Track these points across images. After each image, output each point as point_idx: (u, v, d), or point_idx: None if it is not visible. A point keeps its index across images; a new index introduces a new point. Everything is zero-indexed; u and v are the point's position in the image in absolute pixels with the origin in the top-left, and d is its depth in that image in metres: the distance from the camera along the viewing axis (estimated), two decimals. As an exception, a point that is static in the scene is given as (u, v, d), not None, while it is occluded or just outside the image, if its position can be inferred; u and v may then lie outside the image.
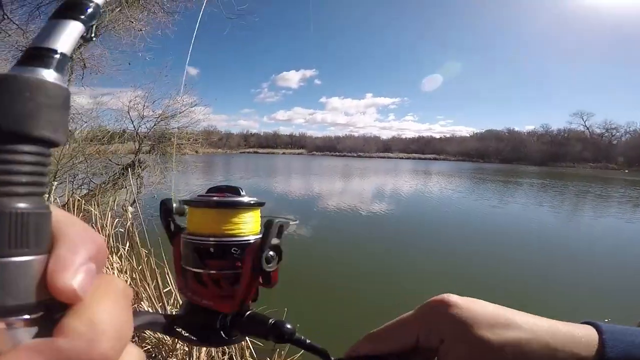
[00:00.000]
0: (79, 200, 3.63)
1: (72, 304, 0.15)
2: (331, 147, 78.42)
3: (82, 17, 0.18)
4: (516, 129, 68.59)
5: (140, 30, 6.37)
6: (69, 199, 3.52)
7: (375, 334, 0.30)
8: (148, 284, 2.18)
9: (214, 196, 0.29)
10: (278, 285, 0.28)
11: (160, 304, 2.07)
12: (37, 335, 0.14)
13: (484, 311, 0.27)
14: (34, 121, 0.14)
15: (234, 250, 0.27)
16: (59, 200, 4.08)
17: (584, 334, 0.26)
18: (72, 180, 5.84)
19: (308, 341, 0.27)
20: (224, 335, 0.27)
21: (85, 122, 7.02)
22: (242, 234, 0.28)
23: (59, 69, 0.16)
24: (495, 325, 0.26)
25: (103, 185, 6.47)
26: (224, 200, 0.28)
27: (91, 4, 0.19)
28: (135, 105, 7.88)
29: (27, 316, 0.14)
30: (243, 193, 0.29)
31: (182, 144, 7.95)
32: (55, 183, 3.81)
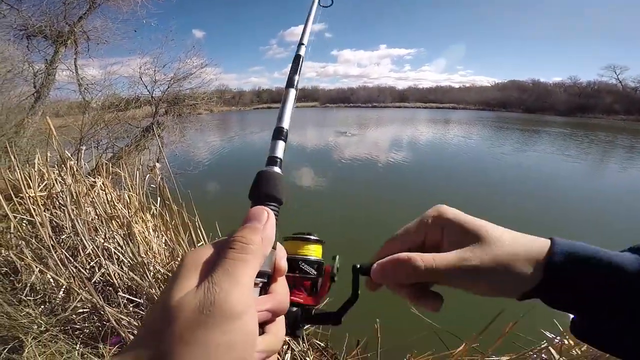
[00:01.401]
0: (106, 163, 3.76)
1: (277, 277, 0.32)
2: (345, 99, 75.96)
3: (283, 137, 0.40)
4: (542, 80, 63.18)
5: None
6: (97, 163, 3.64)
7: (393, 238, 0.39)
8: (182, 239, 2.23)
9: (300, 236, 0.41)
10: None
11: None
12: (260, 293, 0.30)
13: (465, 214, 0.37)
14: (277, 190, 0.35)
15: (303, 264, 0.39)
16: (87, 165, 4.24)
17: (537, 240, 0.34)
18: (96, 145, 6.05)
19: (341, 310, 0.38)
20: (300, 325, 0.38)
21: (100, 91, 7.07)
22: (313, 256, 0.40)
23: (280, 165, 0.38)
24: (473, 219, 0.36)
25: (127, 148, 6.68)
26: (303, 237, 0.41)
27: (285, 130, 0.41)
28: (147, 71, 7.91)
29: (263, 280, 0.30)
30: (314, 236, 0.41)
31: (196, 104, 8.00)
32: (84, 148, 3.95)
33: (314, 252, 0.40)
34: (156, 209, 3.00)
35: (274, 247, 0.31)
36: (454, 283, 0.34)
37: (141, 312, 1.93)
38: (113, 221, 2.61)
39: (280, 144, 0.39)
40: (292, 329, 0.36)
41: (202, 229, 2.34)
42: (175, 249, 2.33)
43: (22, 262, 2.17)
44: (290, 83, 0.49)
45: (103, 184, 3.13)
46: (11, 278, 2.21)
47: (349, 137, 17.93)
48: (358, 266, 0.38)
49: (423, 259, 0.34)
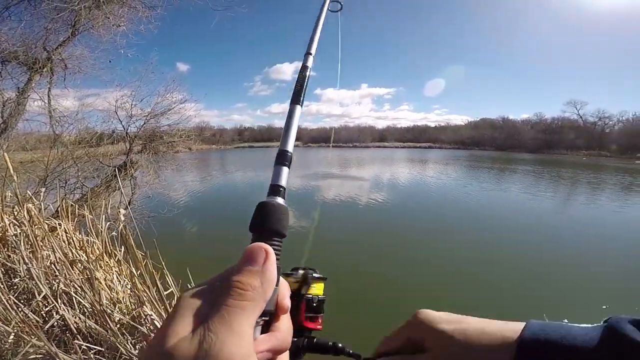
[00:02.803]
0: (71, 205, 3.54)
1: (280, 315, 0.31)
2: (327, 138, 78.02)
3: (287, 162, 0.37)
4: (511, 117, 68.20)
5: (120, 26, 6.12)
6: (60, 204, 3.43)
7: (388, 337, 0.45)
8: (149, 287, 2.12)
9: (304, 272, 0.42)
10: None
11: (163, 306, 2.04)
12: (262, 331, 0.29)
13: (443, 315, 0.41)
14: (281, 224, 0.32)
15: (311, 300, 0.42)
16: (51, 207, 3.99)
17: (513, 324, 0.38)
18: (63, 185, 5.69)
19: (348, 349, 0.43)
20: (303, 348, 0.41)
21: (71, 124, 6.78)
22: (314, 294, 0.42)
23: (283, 195, 0.34)
24: (450, 321, 0.40)
25: (96, 189, 6.34)
26: (309, 275, 0.42)
27: (289, 153, 0.38)
28: (123, 105, 7.67)
29: (265, 318, 0.29)
30: (317, 273, 0.43)
31: (174, 142, 7.83)
32: (43, 190, 3.69)
33: (317, 290, 0.42)
34: (121, 255, 2.86)
35: (276, 284, 0.30)
36: None
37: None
38: (74, 266, 2.46)
39: (284, 171, 0.36)
40: (294, 357, 0.38)
41: (169, 276, 2.26)
42: (140, 296, 2.19)
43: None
44: (295, 99, 0.44)
45: (66, 228, 2.96)
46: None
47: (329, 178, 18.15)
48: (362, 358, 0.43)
49: None
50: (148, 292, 2.13)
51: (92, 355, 1.82)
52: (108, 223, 2.92)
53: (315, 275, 0.42)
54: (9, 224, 2.77)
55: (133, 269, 2.31)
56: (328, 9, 0.63)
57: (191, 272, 2.37)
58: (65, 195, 5.18)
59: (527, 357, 0.34)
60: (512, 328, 0.37)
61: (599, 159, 35.84)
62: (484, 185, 15.01)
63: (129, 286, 2.58)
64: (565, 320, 0.36)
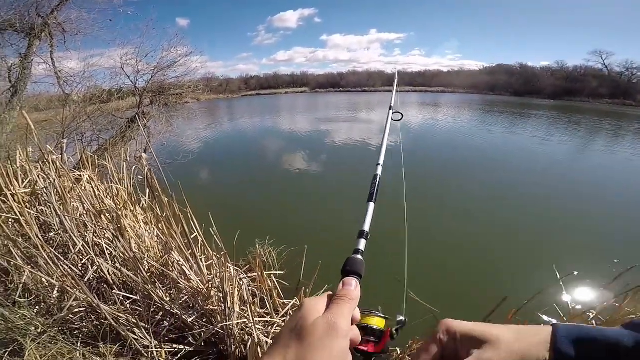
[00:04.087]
0: (91, 156, 3.63)
1: (354, 323, 0.47)
2: (334, 84, 74.96)
3: (364, 237, 0.61)
4: (529, 64, 63.11)
5: None
6: (81, 157, 3.52)
7: (419, 349, 0.46)
8: (175, 232, 2.14)
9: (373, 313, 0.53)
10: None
11: (190, 251, 2.08)
12: None
13: (468, 323, 0.44)
14: (359, 269, 0.52)
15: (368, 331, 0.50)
16: (72, 159, 4.09)
17: (542, 327, 0.41)
18: (80, 139, 5.85)
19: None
20: None
21: (79, 83, 6.83)
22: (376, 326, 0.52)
23: (362, 254, 0.57)
24: (476, 325, 0.43)
25: (112, 140, 6.49)
26: (370, 311, 0.53)
27: (366, 231, 0.62)
28: (128, 61, 7.65)
29: None
30: (379, 312, 0.52)
31: (182, 93, 7.82)
32: (65, 141, 3.79)
33: (377, 323, 0.52)
34: (146, 202, 2.93)
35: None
36: None
37: (138, 309, 1.90)
38: (102, 216, 2.52)
39: (362, 242, 0.59)
40: None
41: (194, 219, 2.25)
42: (168, 242, 2.20)
43: (12, 263, 2.10)
44: (370, 198, 0.69)
45: (89, 177, 3.03)
46: (2, 279, 2.15)
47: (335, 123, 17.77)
48: None
49: None
50: (175, 237, 2.14)
51: (128, 306, 1.88)
52: (132, 168, 2.96)
53: (377, 313, 0.53)
54: (38, 176, 2.86)
55: (160, 212, 2.27)
56: (392, 119, 0.93)
57: (212, 216, 2.32)
58: (84, 147, 5.31)
59: (567, 347, 0.37)
60: (543, 328, 0.41)
61: (623, 107, 33.76)
62: (497, 130, 14.53)
63: (155, 233, 2.69)
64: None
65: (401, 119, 0.96)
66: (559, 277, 2.50)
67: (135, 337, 1.70)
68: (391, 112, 1.01)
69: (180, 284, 2.06)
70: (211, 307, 1.90)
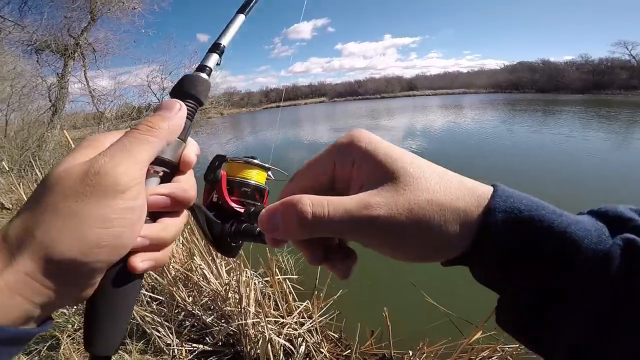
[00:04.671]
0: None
1: (185, 171, 0.32)
2: (352, 92, 75.40)
3: (218, 51, 0.39)
4: (552, 59, 60.70)
5: (135, 8, 6.41)
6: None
7: (297, 172, 0.30)
8: (197, 239, 2.28)
9: (242, 159, 0.42)
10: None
11: (211, 257, 2.22)
12: (161, 183, 0.30)
13: (387, 144, 0.26)
14: (198, 92, 0.35)
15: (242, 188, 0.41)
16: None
17: (482, 187, 0.25)
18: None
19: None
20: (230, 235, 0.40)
21: (112, 101, 7.37)
22: (254, 180, 0.42)
23: (208, 74, 0.37)
24: (392, 150, 0.25)
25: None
26: (248, 160, 0.42)
27: (222, 45, 0.40)
28: (154, 79, 8.37)
29: (166, 169, 0.31)
30: (257, 160, 0.42)
31: (206, 108, 8.24)
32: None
33: (257, 177, 0.41)
34: None
35: (184, 140, 0.32)
36: (356, 239, 0.24)
37: (163, 310, 2.06)
38: None
39: (214, 57, 0.39)
40: (219, 243, 0.39)
41: None
42: (191, 248, 2.40)
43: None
44: (242, 9, 0.44)
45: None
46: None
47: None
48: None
49: (313, 203, 0.23)
50: (197, 245, 2.31)
51: (154, 307, 2.04)
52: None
53: (255, 160, 0.41)
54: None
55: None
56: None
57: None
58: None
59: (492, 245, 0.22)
60: (478, 194, 0.23)
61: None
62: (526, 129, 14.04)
63: (180, 240, 2.89)
64: None
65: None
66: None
67: (159, 335, 1.84)
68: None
69: (202, 287, 2.19)
70: (229, 309, 2.01)
